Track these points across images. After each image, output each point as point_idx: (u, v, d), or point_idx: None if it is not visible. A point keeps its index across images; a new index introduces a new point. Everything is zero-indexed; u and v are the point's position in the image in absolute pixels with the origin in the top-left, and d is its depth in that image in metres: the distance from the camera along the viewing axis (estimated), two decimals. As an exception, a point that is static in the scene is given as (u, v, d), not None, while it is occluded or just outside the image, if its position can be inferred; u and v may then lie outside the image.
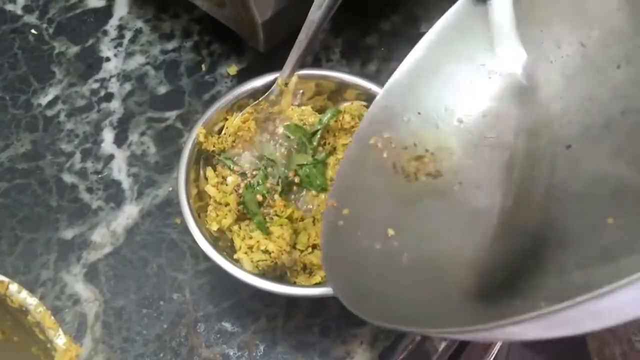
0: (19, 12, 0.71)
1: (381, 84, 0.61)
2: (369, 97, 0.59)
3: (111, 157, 0.63)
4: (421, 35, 0.68)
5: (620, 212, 0.38)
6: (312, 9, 0.57)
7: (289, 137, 0.58)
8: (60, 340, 0.38)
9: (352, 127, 0.59)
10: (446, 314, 0.40)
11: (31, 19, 0.71)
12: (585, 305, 0.28)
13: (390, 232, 0.46)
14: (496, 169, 0.47)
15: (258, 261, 0.52)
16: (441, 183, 0.48)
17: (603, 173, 0.41)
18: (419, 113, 0.51)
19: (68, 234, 0.59)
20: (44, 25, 0.70)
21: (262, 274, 0.52)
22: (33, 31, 0.70)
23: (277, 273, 0.53)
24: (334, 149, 0.59)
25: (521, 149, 0.47)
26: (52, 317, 0.38)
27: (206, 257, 0.52)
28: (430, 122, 0.50)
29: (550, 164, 0.44)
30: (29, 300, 0.39)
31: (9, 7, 0.71)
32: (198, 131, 0.56)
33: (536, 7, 0.48)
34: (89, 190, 0.61)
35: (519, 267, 0.41)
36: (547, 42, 0.47)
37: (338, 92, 0.60)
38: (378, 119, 0.51)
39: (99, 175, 0.62)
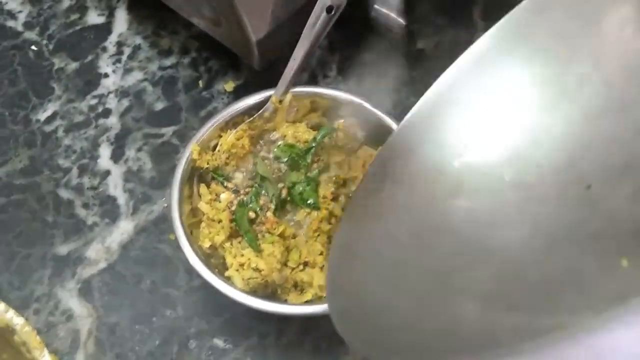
0: (20, 28, 0.72)
1: (376, 101, 0.62)
2: (363, 115, 0.59)
3: (107, 172, 0.63)
4: (417, 52, 0.69)
5: (637, 254, 0.38)
6: (306, 28, 0.58)
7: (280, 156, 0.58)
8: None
9: (346, 144, 0.59)
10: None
11: (32, 35, 0.71)
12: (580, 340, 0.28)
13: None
14: (518, 208, 0.46)
15: (249, 279, 0.53)
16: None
17: (622, 214, 0.40)
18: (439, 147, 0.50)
19: (63, 249, 0.59)
20: (44, 42, 0.71)
21: (254, 292, 0.52)
22: (33, 47, 0.71)
23: (269, 290, 0.53)
24: (327, 166, 0.59)
25: (542, 189, 0.46)
26: (38, 337, 0.38)
27: (199, 274, 0.52)
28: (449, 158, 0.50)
29: (570, 204, 0.44)
30: (15, 320, 0.39)
31: (10, 23, 0.72)
32: (192, 148, 0.57)
33: (558, 46, 0.48)
34: (85, 205, 0.62)
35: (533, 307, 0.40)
36: (570, 80, 0.47)
37: (333, 109, 0.61)
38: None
39: (95, 191, 0.62)
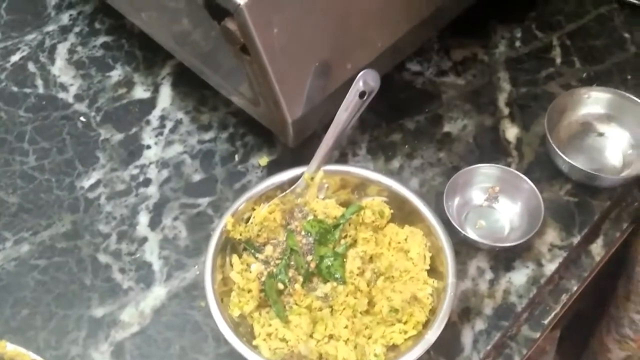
0: (70, 100, 0.77)
1: (403, 180, 0.64)
2: (390, 194, 0.62)
3: (145, 239, 0.66)
4: (444, 135, 0.72)
5: None
6: (339, 110, 0.62)
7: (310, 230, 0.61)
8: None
9: (373, 222, 0.61)
10: None
11: (81, 107, 0.76)
12: None
13: None
14: None
15: (276, 349, 0.54)
16: None
17: None
18: None
19: (99, 312, 0.62)
20: (92, 114, 0.76)
21: (280, 362, 0.54)
22: (82, 118, 0.75)
23: None
24: (355, 241, 0.61)
25: None
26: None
27: (227, 342, 0.54)
28: None
29: None
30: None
31: (62, 95, 0.77)
32: (227, 220, 0.60)
33: None
34: (122, 270, 0.65)
35: None
36: None
37: (361, 186, 0.64)
38: None
39: (132, 257, 0.65)
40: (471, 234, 0.64)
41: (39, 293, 0.63)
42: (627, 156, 0.70)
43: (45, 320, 0.61)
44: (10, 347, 0.44)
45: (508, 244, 0.63)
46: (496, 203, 0.67)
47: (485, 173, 0.67)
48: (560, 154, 0.66)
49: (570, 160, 0.66)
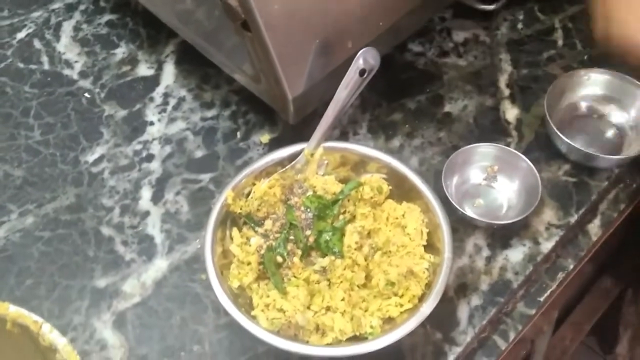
0: (75, 76, 0.78)
1: (402, 159, 0.65)
2: (389, 171, 0.63)
3: (147, 213, 0.68)
4: (444, 115, 0.73)
5: None
6: (339, 88, 0.62)
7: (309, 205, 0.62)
8: (84, 378, 0.41)
9: (371, 197, 0.62)
10: None
11: (86, 83, 0.77)
12: None
13: None
14: None
15: (273, 319, 0.56)
16: None
17: None
18: None
19: (101, 283, 0.63)
20: (97, 90, 0.77)
21: (277, 332, 0.55)
22: (86, 95, 0.76)
23: (292, 332, 0.56)
24: (353, 217, 0.62)
25: None
26: (78, 356, 0.42)
27: (226, 313, 0.55)
28: None
29: None
30: (59, 340, 0.43)
31: (67, 71, 0.78)
32: (227, 194, 0.60)
33: None
34: (124, 243, 0.66)
35: None
36: None
37: (361, 164, 0.64)
38: None
39: (135, 230, 0.66)
40: (469, 212, 0.65)
41: (43, 264, 0.64)
42: (625, 137, 0.71)
43: (49, 290, 0.63)
44: (12, 309, 0.45)
45: (505, 222, 0.64)
46: (495, 182, 0.68)
47: (484, 152, 0.68)
48: (559, 134, 0.67)
49: (569, 141, 0.67)
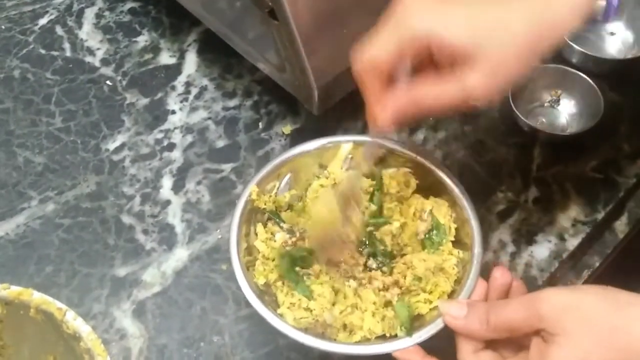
0: (97, 64, 0.77)
1: (427, 153, 0.64)
2: (414, 165, 0.62)
3: (168, 202, 0.67)
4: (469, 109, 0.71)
5: None
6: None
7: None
8: (108, 367, 0.41)
9: (398, 192, 0.61)
10: None
11: (107, 71, 0.77)
12: None
13: None
14: None
15: (301, 318, 0.54)
16: None
17: None
18: None
19: (122, 271, 0.63)
20: (119, 78, 0.76)
21: (305, 330, 0.54)
22: (108, 82, 0.76)
23: (319, 330, 0.54)
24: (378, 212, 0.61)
25: None
26: (102, 345, 0.41)
27: (247, 304, 0.54)
28: None
29: None
30: (83, 327, 0.42)
31: (89, 59, 0.78)
32: (251, 189, 0.59)
33: None
34: (145, 232, 0.65)
35: None
36: None
37: (387, 158, 0.63)
38: None
39: (155, 219, 0.66)
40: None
41: (63, 251, 0.64)
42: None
43: (69, 278, 0.62)
44: (36, 295, 0.45)
45: (566, 133, 0.70)
46: (557, 105, 0.72)
47: (550, 74, 0.72)
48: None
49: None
